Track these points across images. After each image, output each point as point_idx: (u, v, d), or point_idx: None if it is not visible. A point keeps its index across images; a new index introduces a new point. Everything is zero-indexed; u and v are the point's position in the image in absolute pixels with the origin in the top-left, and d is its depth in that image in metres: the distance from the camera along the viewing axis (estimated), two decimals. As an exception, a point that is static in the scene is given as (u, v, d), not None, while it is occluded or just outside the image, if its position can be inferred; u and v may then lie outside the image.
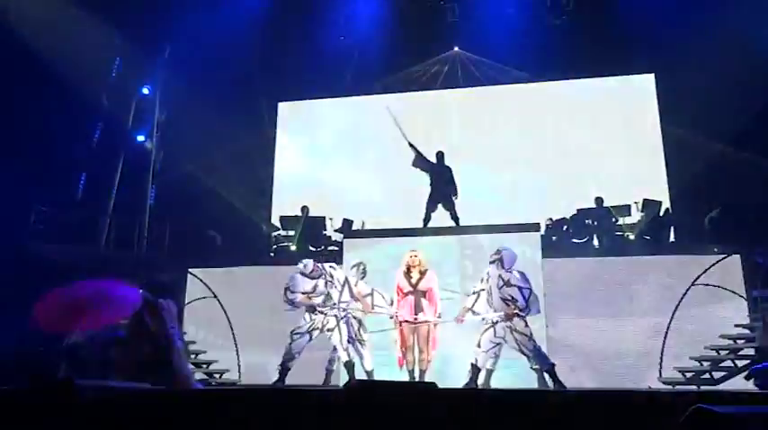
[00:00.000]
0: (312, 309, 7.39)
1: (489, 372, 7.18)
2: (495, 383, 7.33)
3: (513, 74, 13.34)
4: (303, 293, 7.38)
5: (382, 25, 12.90)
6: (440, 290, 7.63)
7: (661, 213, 10.94)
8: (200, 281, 10.28)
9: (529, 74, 13.27)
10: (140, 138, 13.28)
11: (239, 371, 9.75)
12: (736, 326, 8.45)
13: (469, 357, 7.11)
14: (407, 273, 7.47)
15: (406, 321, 7.33)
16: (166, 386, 4.68)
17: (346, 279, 7.53)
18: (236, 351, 9.89)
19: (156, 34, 12.73)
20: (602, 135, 12.77)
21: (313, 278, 7.41)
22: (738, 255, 9.02)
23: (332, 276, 7.48)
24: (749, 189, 10.40)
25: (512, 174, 13.02)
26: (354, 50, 13.09)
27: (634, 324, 9.13)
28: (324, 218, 11.75)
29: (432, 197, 10.24)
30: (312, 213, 11.76)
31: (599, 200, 11.05)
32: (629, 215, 10.86)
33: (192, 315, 10.06)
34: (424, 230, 9.90)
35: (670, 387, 8.34)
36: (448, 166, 10.38)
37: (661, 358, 8.78)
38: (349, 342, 7.43)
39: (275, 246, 11.88)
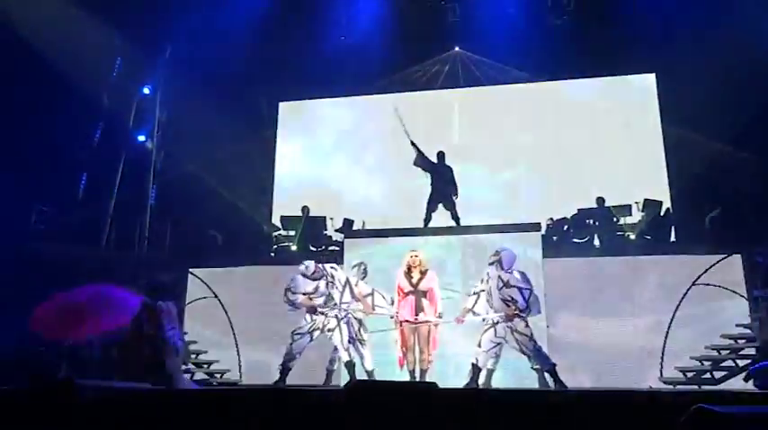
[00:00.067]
0: (313, 310, 7.39)
1: (490, 372, 7.18)
2: (496, 383, 7.34)
3: (514, 74, 13.32)
4: (304, 294, 7.38)
5: (383, 25, 12.87)
6: (441, 289, 7.63)
7: (662, 213, 10.94)
8: (201, 281, 10.28)
9: (529, 74, 13.25)
10: (141, 137, 13.27)
11: (240, 371, 9.75)
12: (737, 325, 8.44)
13: (470, 357, 7.11)
14: (408, 273, 7.47)
15: (407, 321, 7.33)
16: (165, 386, 4.68)
17: (347, 280, 7.53)
18: (237, 351, 9.90)
19: (156, 34, 12.71)
20: (603, 135, 12.76)
21: (314, 279, 7.41)
22: (739, 255, 9.02)
23: (333, 277, 7.48)
24: (750, 189, 10.38)
25: (512, 173, 13.03)
26: (355, 50, 13.07)
27: (635, 323, 9.13)
28: (324, 218, 11.76)
29: (432, 197, 10.26)
30: (313, 213, 11.77)
31: (600, 200, 11.05)
32: (630, 215, 10.86)
33: (192, 315, 10.06)
34: (425, 230, 9.91)
35: (671, 387, 8.34)
36: (449, 166, 10.39)
37: (662, 358, 8.78)
38: (350, 342, 7.43)
39: (276, 246, 11.88)
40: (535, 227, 9.48)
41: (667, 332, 8.86)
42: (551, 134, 12.94)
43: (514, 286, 6.90)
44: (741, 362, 8.08)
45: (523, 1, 12.69)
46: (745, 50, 10.60)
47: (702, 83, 10.76)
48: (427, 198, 10.29)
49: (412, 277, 7.44)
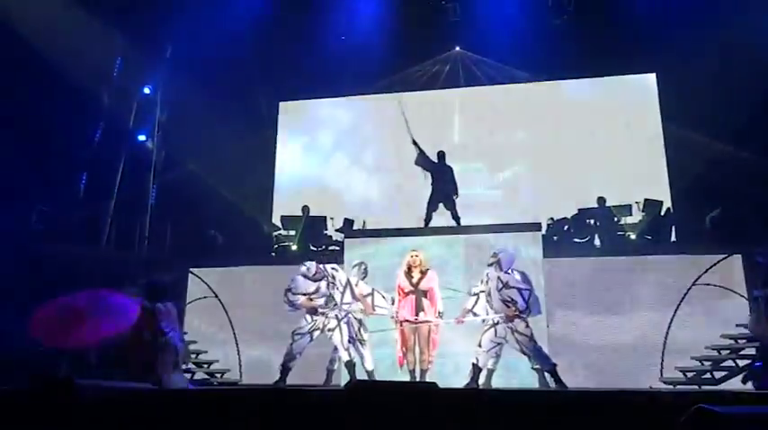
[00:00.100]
0: (314, 311, 7.39)
1: (490, 372, 7.20)
2: (496, 383, 7.34)
3: (515, 73, 13.32)
4: (305, 295, 7.38)
5: (383, 25, 12.86)
6: (442, 289, 7.64)
7: (662, 213, 10.94)
8: (202, 280, 10.28)
9: (530, 73, 13.25)
10: (141, 137, 13.27)
11: (240, 371, 9.75)
12: (738, 325, 8.43)
13: (470, 357, 7.11)
14: (408, 272, 7.49)
15: (407, 321, 7.34)
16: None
17: (348, 280, 7.54)
18: (237, 351, 9.90)
19: (157, 34, 12.72)
20: (604, 134, 12.76)
21: (316, 280, 7.41)
22: (739, 255, 9.01)
23: (334, 278, 7.48)
24: (750, 189, 10.37)
25: (512, 173, 13.05)
26: (355, 50, 13.07)
27: (635, 323, 9.13)
28: (325, 217, 11.78)
29: (433, 197, 10.26)
30: (313, 213, 11.78)
31: (601, 199, 11.05)
32: (631, 215, 10.87)
33: (193, 314, 10.06)
34: (426, 230, 9.91)
35: (671, 387, 8.33)
36: (449, 166, 10.40)
37: (662, 358, 8.77)
38: (350, 342, 7.44)
39: (276, 246, 11.89)
40: (535, 227, 9.47)
41: (667, 332, 8.86)
42: (552, 134, 12.94)
43: (514, 287, 6.90)
44: (741, 363, 8.06)
45: (524, 1, 12.68)
46: (745, 50, 10.61)
47: (703, 83, 10.77)
48: (428, 198, 10.30)
49: (412, 277, 7.45)
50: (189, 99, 12.25)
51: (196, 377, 9.28)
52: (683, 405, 2.90)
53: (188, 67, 12.59)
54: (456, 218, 10.14)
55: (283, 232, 11.83)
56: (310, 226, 11.62)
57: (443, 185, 10.24)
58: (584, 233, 10.86)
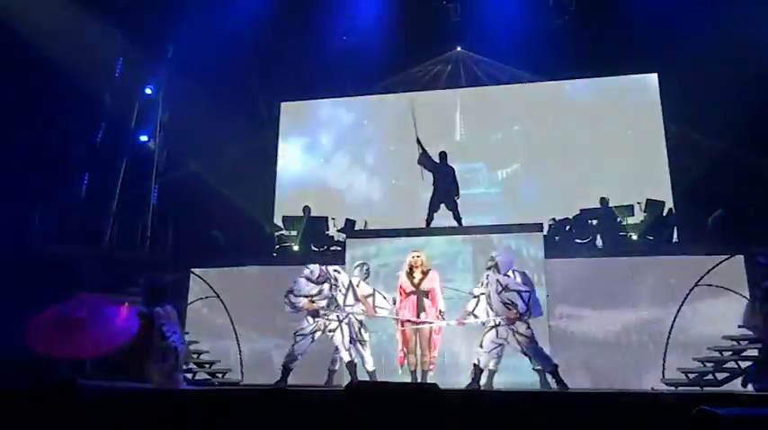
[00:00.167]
0: (315, 313, 7.39)
1: (492, 373, 7.19)
2: (498, 384, 7.34)
3: (516, 73, 13.31)
4: (307, 297, 7.37)
5: (385, 25, 12.86)
6: (444, 289, 7.64)
7: (664, 213, 10.92)
8: (203, 281, 10.28)
9: (531, 73, 13.23)
10: (143, 138, 13.27)
11: (241, 371, 9.73)
12: (740, 327, 8.40)
13: (472, 358, 7.11)
14: (410, 273, 7.51)
15: (409, 321, 7.34)
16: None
17: (350, 283, 7.53)
18: (239, 351, 9.89)
19: (158, 34, 12.73)
20: (605, 135, 12.75)
21: (318, 283, 7.41)
22: (741, 256, 8.98)
23: (336, 280, 7.49)
24: (752, 190, 10.36)
25: (514, 173, 13.04)
26: (357, 50, 13.08)
27: (637, 325, 9.11)
28: (326, 218, 11.79)
29: (434, 197, 10.28)
30: (314, 213, 11.79)
31: (604, 200, 11.04)
32: (632, 215, 10.86)
33: (194, 315, 10.05)
34: (427, 230, 9.91)
35: (673, 388, 8.31)
36: (451, 166, 10.40)
37: (664, 359, 8.74)
38: (351, 342, 7.44)
39: (278, 246, 11.89)
40: (537, 227, 9.46)
41: (669, 333, 8.83)
42: (553, 134, 12.92)
43: (514, 290, 6.89)
44: (743, 364, 8.04)
45: (525, 1, 12.66)
46: (747, 50, 10.59)
47: (705, 83, 10.75)
48: (429, 198, 10.30)
49: (414, 277, 7.47)
50: (190, 99, 12.25)
51: (197, 377, 9.27)
52: (684, 406, 2.89)
53: (190, 67, 12.59)
54: (458, 218, 10.14)
55: (285, 232, 11.83)
56: (311, 226, 11.63)
57: (445, 186, 10.25)
58: (585, 233, 10.85)
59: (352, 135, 14.16)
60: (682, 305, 8.84)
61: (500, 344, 6.95)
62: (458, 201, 10.20)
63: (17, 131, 10.27)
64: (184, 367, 7.79)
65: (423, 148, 10.35)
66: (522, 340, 6.85)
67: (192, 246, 11.39)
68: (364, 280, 7.91)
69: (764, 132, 10.61)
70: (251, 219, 12.85)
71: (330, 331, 7.40)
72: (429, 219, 10.19)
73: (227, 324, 9.98)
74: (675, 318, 8.81)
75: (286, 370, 7.39)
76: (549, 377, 7.02)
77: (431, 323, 7.34)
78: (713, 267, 8.85)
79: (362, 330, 7.80)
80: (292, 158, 14.25)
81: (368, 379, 7.49)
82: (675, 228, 10.95)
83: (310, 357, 7.67)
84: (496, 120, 13.48)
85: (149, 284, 7.23)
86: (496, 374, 7.25)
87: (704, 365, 8.38)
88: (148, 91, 13.33)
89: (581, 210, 11.09)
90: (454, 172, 10.36)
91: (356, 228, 11.50)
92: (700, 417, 2.56)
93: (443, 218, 10.25)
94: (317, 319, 7.43)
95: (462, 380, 7.24)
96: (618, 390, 7.70)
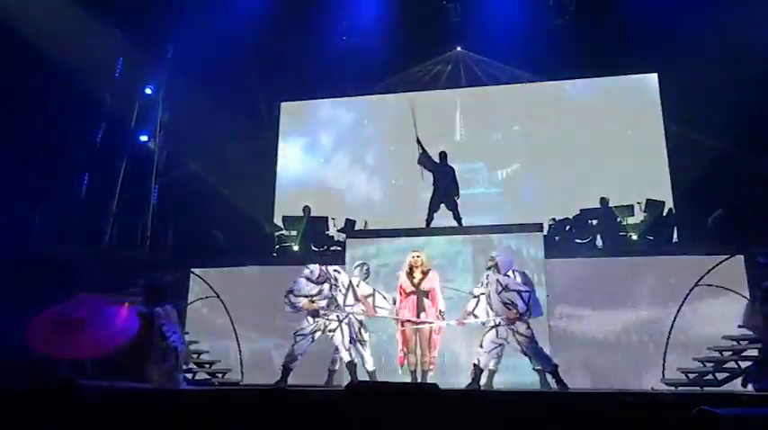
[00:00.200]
0: (315, 313, 7.39)
1: (492, 373, 7.20)
2: (498, 384, 7.34)
3: (516, 73, 13.31)
4: (307, 297, 7.37)
5: (385, 25, 12.87)
6: (445, 289, 7.65)
7: (664, 213, 10.92)
8: (203, 281, 10.28)
9: (531, 73, 13.23)
10: (143, 138, 13.28)
11: (241, 371, 9.73)
12: (740, 327, 8.41)
13: (472, 358, 7.11)
14: (410, 273, 7.52)
15: (408, 321, 7.35)
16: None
17: (350, 283, 7.53)
18: (239, 351, 9.89)
19: (158, 34, 12.74)
20: (605, 135, 12.75)
21: (318, 283, 7.41)
22: (741, 256, 8.98)
23: (336, 280, 7.48)
24: (752, 189, 10.36)
25: (514, 173, 13.04)
26: (357, 50, 13.08)
27: (637, 325, 9.11)
28: (326, 218, 11.80)
29: (434, 197, 10.28)
30: (314, 213, 11.79)
31: (604, 200, 11.04)
32: (632, 215, 10.86)
33: (194, 315, 10.05)
34: (427, 230, 9.91)
35: (673, 388, 8.31)
36: (451, 166, 10.41)
37: (664, 359, 8.74)
38: (351, 342, 7.44)
39: (278, 246, 11.89)
40: (537, 227, 9.46)
41: (669, 333, 8.83)
42: (553, 134, 12.92)
43: (514, 290, 6.89)
44: (743, 364, 8.04)
45: (525, 1, 12.67)
46: (747, 50, 10.59)
47: (705, 83, 10.74)
48: (429, 198, 10.31)
49: (414, 277, 7.47)
50: (191, 99, 12.25)
51: (197, 377, 9.27)
52: (684, 406, 2.89)
53: (190, 67, 12.60)
54: (458, 218, 10.15)
55: (285, 232, 11.84)
56: (312, 226, 11.63)
57: (445, 186, 10.25)
58: (585, 233, 10.85)
59: (353, 135, 14.17)
60: (682, 305, 8.84)
61: (500, 344, 6.95)
62: (458, 201, 10.20)
63: (17, 131, 10.27)
64: (184, 367, 7.80)
65: (423, 148, 10.36)
66: (522, 340, 6.85)
67: (192, 246, 11.39)
68: (364, 280, 7.91)
69: (765, 132, 10.61)
70: (251, 219, 12.85)
71: (330, 331, 7.40)
72: (429, 219, 10.20)
73: (227, 324, 9.98)
74: (675, 318, 8.81)
75: (286, 370, 7.39)
76: (549, 377, 7.02)
77: (431, 323, 7.34)
78: (713, 267, 8.85)
79: (362, 330, 7.80)
80: (292, 158, 14.25)
81: (368, 379, 7.49)
82: (675, 228, 10.94)
83: (310, 357, 7.67)
84: (496, 120, 13.48)
85: (149, 284, 7.23)
86: (496, 374, 7.25)
87: (704, 365, 8.38)
88: (148, 91, 13.33)
89: (581, 210, 11.09)
90: (454, 172, 10.37)
91: (356, 228, 11.50)
92: (700, 417, 2.56)
93: (443, 218, 10.26)
94: (316, 319, 7.43)
95: (462, 380, 7.24)
96: (618, 390, 7.70)
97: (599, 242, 10.76)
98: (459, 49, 13.95)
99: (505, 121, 13.44)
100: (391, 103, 13.57)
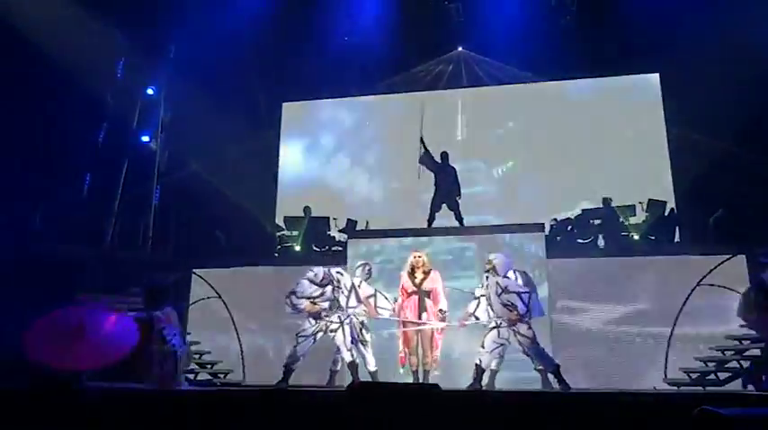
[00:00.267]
0: (317, 315, 7.38)
1: (494, 373, 7.19)
2: (500, 384, 7.33)
3: (517, 74, 13.30)
4: (309, 299, 7.35)
5: (386, 25, 12.87)
6: (446, 289, 7.63)
7: (666, 213, 10.91)
8: (205, 281, 10.28)
9: (533, 74, 13.22)
10: (145, 138, 13.29)
11: (243, 372, 9.74)
12: (742, 326, 8.40)
13: (474, 358, 7.10)
14: (411, 273, 7.51)
15: (410, 321, 7.34)
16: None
17: (353, 284, 7.51)
18: (241, 351, 9.89)
19: (160, 35, 12.75)
20: (607, 135, 12.73)
21: (322, 285, 7.39)
22: (743, 256, 8.97)
23: (339, 282, 7.46)
24: (754, 189, 10.34)
25: (515, 174, 13.02)
26: (358, 51, 13.09)
27: (639, 324, 9.10)
28: (327, 218, 11.79)
29: (436, 197, 10.29)
30: (316, 213, 11.79)
31: (607, 200, 11.02)
32: (634, 215, 10.84)
33: (196, 315, 10.06)
34: (429, 230, 9.91)
35: (675, 388, 8.30)
36: (452, 167, 10.42)
37: (666, 359, 8.74)
38: (353, 343, 7.42)
39: (280, 247, 11.90)
40: (539, 227, 9.45)
41: (671, 333, 8.82)
42: (555, 134, 12.89)
43: (513, 292, 6.86)
44: (746, 364, 8.03)
45: (527, 1, 12.66)
46: (749, 51, 10.57)
47: (707, 83, 10.72)
48: (431, 198, 10.31)
49: (415, 277, 7.47)
50: (192, 100, 12.26)
51: (199, 378, 9.28)
52: (686, 406, 2.88)
53: (191, 67, 12.61)
54: (459, 218, 10.15)
55: (286, 233, 11.84)
56: (313, 227, 11.63)
57: (447, 186, 10.26)
58: (587, 233, 10.84)
59: (354, 135, 14.16)
60: (684, 305, 8.83)
61: (501, 345, 6.93)
62: (459, 201, 10.20)
63: (19, 131, 10.27)
64: (186, 368, 7.80)
65: (426, 148, 10.37)
66: (523, 341, 6.83)
67: (193, 246, 11.40)
68: (366, 280, 7.90)
69: (766, 132, 10.58)
70: (252, 219, 12.86)
71: (332, 332, 7.38)
72: (431, 219, 10.20)
73: (229, 324, 9.99)
74: (677, 318, 8.80)
75: (288, 370, 7.38)
76: (551, 377, 7.01)
77: (432, 325, 7.33)
78: (715, 267, 8.85)
79: (364, 330, 7.79)
80: (294, 159, 14.25)
81: (369, 379, 7.48)
82: (677, 228, 10.93)
83: (312, 358, 7.67)
84: (498, 120, 13.47)
85: (149, 286, 7.22)
86: (500, 371, 7.25)
87: (706, 365, 8.37)
88: (150, 91, 13.35)
89: (583, 210, 11.09)
90: (456, 172, 10.37)
91: (358, 228, 11.50)
92: (702, 417, 2.55)
93: (445, 218, 10.25)
94: (318, 320, 7.42)
95: (464, 381, 7.23)
96: (620, 390, 7.69)
97: (601, 242, 10.75)
98: (460, 49, 13.95)
99: (507, 121, 13.43)
100: (393, 103, 13.57)
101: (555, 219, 11.13)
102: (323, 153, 14.25)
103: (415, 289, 7.44)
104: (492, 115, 13.50)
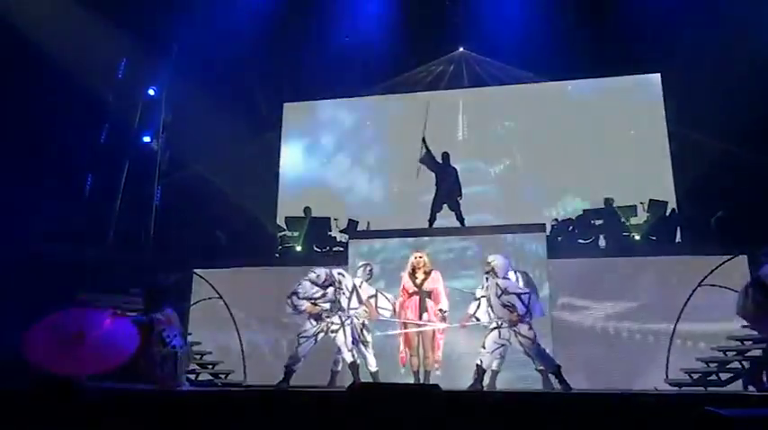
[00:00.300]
0: (318, 317, 7.38)
1: (495, 374, 7.18)
2: (501, 384, 7.32)
3: (519, 74, 13.29)
4: (310, 300, 7.35)
5: (387, 26, 12.87)
6: (447, 289, 7.63)
7: (667, 214, 10.91)
8: (206, 281, 10.28)
9: (534, 74, 13.22)
10: (146, 138, 13.28)
11: (244, 372, 9.74)
12: (743, 327, 8.38)
13: (475, 359, 7.09)
14: (412, 273, 7.52)
15: (411, 322, 7.34)
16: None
17: (354, 285, 7.51)
18: (242, 351, 9.89)
19: (162, 35, 12.74)
20: (608, 135, 12.72)
21: (324, 287, 7.39)
22: (745, 256, 8.96)
23: (340, 283, 7.46)
24: (756, 189, 10.32)
25: (516, 174, 13.01)
26: (359, 51, 13.08)
27: (640, 325, 9.09)
28: (328, 218, 11.79)
29: (437, 197, 10.30)
30: (316, 214, 11.79)
31: (609, 200, 11.01)
32: (635, 215, 10.83)
33: (197, 316, 10.06)
34: (430, 231, 9.91)
35: (676, 388, 8.29)
36: (453, 167, 10.42)
37: (667, 359, 8.73)
38: (353, 343, 7.42)
39: (281, 247, 11.90)
40: (540, 227, 9.45)
41: (673, 333, 8.82)
42: (556, 134, 12.89)
43: (513, 293, 6.86)
44: (747, 364, 8.01)
45: (528, 1, 12.65)
46: (751, 50, 10.56)
47: (708, 83, 10.72)
48: (432, 198, 10.31)
49: (416, 278, 7.48)
50: (193, 100, 12.26)
51: (200, 378, 9.28)
52: (688, 407, 2.88)
53: (193, 68, 12.61)
54: (460, 218, 10.15)
55: (287, 233, 11.84)
56: (314, 227, 11.63)
57: (448, 186, 10.26)
58: (588, 234, 10.83)
59: (355, 135, 14.17)
60: (685, 305, 8.83)
61: (502, 345, 6.93)
62: (460, 201, 10.20)
63: (20, 131, 10.27)
64: (187, 369, 7.80)
65: (427, 148, 10.36)
66: (524, 342, 6.82)
67: (194, 246, 11.38)
68: (367, 280, 7.90)
69: (768, 131, 10.58)
70: (254, 219, 12.86)
71: (333, 332, 7.38)
72: (432, 220, 10.20)
73: (230, 325, 9.99)
74: (679, 319, 8.79)
75: (289, 371, 7.37)
76: (552, 378, 7.01)
77: (433, 325, 7.33)
78: (716, 267, 8.84)
79: (365, 331, 7.78)
80: (295, 159, 14.26)
81: (370, 380, 7.48)
82: (678, 229, 10.92)
83: (313, 358, 7.66)
84: (499, 121, 13.47)
85: (149, 288, 7.22)
86: (501, 371, 7.25)
87: (708, 365, 8.37)
88: (151, 92, 13.33)
89: (584, 210, 11.08)
90: (457, 172, 10.38)
91: (359, 228, 11.50)
92: (703, 418, 2.54)
93: (446, 218, 10.25)
94: (319, 321, 7.41)
95: (465, 382, 7.22)
96: (621, 391, 7.68)
97: (602, 242, 10.74)
98: (461, 49, 13.95)
99: (507, 122, 13.42)
100: (393, 103, 13.57)
101: (556, 220, 11.14)
102: (324, 153, 14.26)
103: (416, 289, 7.44)
104: (493, 115, 13.50)
